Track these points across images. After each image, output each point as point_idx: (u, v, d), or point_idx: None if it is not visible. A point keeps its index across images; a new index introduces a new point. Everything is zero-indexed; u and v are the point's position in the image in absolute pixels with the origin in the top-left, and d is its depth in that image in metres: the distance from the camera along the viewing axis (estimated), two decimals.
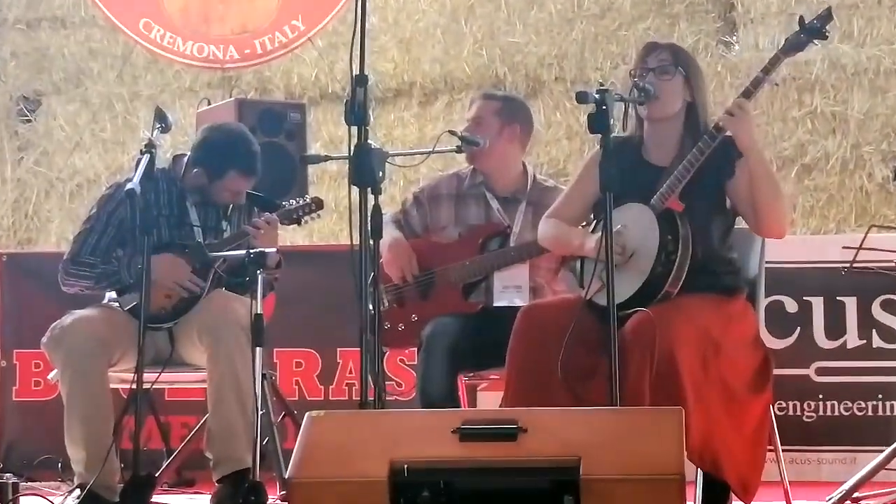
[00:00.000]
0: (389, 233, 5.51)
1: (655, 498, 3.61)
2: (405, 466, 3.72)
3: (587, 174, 4.87)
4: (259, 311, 5.08)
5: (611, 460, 3.66)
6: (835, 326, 6.58)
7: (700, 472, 4.64)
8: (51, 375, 5.59)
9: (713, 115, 4.87)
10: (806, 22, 4.74)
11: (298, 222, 5.78)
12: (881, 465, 5.37)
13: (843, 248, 5.76)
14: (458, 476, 3.72)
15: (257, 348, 5.10)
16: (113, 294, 5.63)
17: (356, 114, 4.36)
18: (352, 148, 4.39)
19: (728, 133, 4.72)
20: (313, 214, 5.76)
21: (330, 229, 8.83)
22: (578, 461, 3.66)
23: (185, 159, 5.77)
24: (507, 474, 3.72)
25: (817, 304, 6.61)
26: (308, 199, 5.78)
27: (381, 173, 4.47)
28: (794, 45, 4.77)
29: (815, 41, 4.77)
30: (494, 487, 3.72)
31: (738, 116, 4.69)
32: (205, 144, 5.71)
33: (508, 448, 3.74)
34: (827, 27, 4.73)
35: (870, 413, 6.53)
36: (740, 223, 4.93)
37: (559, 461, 3.68)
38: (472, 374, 5.61)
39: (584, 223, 4.97)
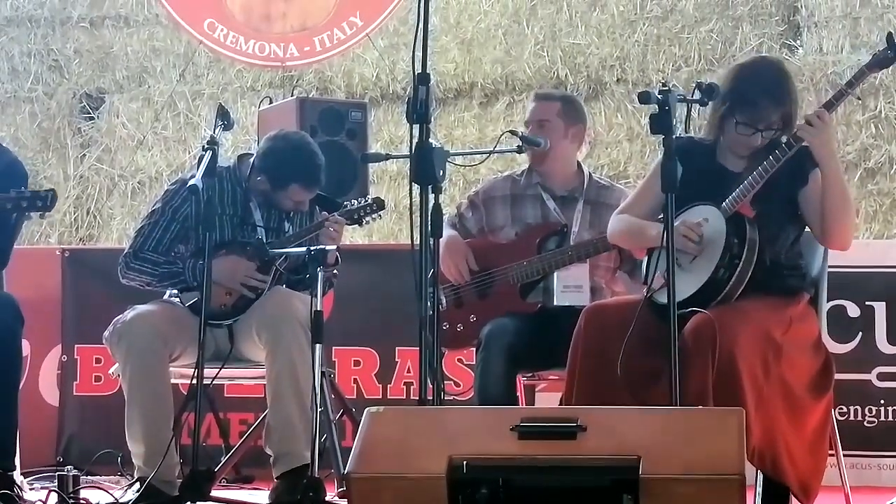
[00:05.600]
0: (445, 232, 5.50)
1: (716, 498, 3.59)
2: (464, 463, 3.71)
3: (658, 173, 4.84)
4: (319, 308, 5.09)
5: (671, 460, 3.64)
6: None
7: (760, 475, 4.61)
8: (112, 370, 5.63)
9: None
10: (895, 39, 4.70)
11: (360, 222, 5.78)
12: None
13: None
14: (517, 473, 3.71)
15: (316, 345, 5.11)
16: (174, 290, 5.67)
17: (418, 112, 4.36)
18: (413, 146, 4.40)
19: (805, 143, 4.68)
20: (374, 215, 5.76)
21: (389, 229, 8.85)
22: (638, 460, 3.64)
23: (251, 160, 5.78)
24: (566, 472, 3.70)
25: (879, 308, 6.56)
26: (370, 200, 5.78)
27: (441, 172, 4.47)
28: (880, 62, 4.74)
29: None
30: (553, 485, 3.71)
31: (818, 127, 4.65)
32: (269, 154, 5.70)
33: (567, 446, 3.73)
34: None
35: None
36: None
37: (619, 460, 3.67)
38: (530, 374, 5.60)
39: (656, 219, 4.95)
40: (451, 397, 6.21)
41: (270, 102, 7.82)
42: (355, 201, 5.79)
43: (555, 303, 5.52)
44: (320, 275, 5.16)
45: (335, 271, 5.65)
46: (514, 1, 9.01)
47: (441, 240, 4.57)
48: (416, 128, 4.40)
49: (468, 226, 5.82)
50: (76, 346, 7.28)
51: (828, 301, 5.17)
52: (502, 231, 5.75)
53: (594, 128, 8.36)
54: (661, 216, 4.86)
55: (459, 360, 6.82)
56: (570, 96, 6.08)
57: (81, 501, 4.99)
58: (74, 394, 7.29)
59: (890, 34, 4.74)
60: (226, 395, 6.94)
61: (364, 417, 3.91)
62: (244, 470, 6.44)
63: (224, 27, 8.75)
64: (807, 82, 8.15)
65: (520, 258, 5.62)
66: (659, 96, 4.44)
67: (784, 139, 4.71)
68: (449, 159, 4.88)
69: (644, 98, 4.50)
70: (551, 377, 5.61)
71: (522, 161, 5.93)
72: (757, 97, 4.76)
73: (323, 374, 5.32)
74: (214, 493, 5.21)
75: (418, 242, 4.38)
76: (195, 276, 5.51)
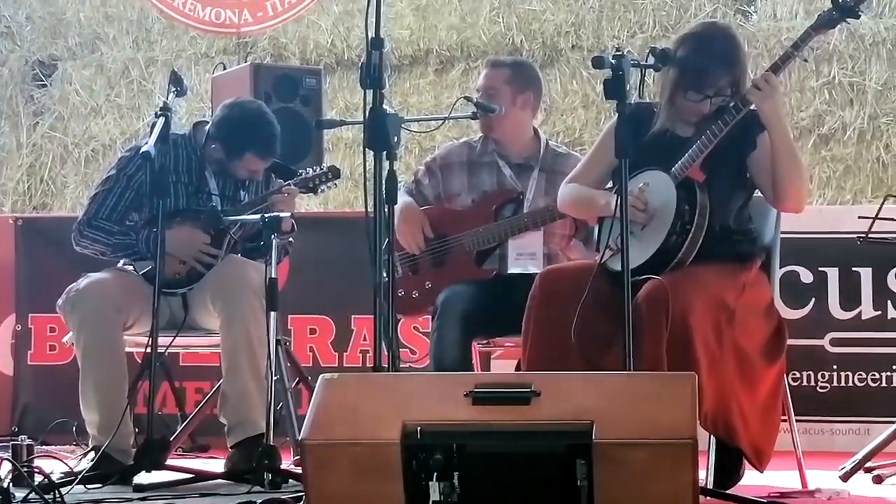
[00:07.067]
0: (401, 199, 5.49)
1: (668, 462, 3.60)
2: (418, 429, 3.72)
3: (608, 140, 4.82)
4: (273, 276, 5.08)
5: (623, 425, 3.65)
6: (850, 297, 6.57)
7: (713, 440, 4.64)
8: (66, 339, 5.60)
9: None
10: (840, 0, 4.71)
11: (315, 191, 5.77)
12: (894, 436, 5.37)
13: (859, 217, 5.74)
14: (471, 439, 3.71)
15: (271, 313, 5.10)
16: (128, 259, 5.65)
17: (371, 77, 4.34)
18: (366, 112, 4.38)
19: (753, 107, 4.69)
20: (329, 183, 5.75)
21: (345, 197, 8.83)
22: (591, 425, 3.65)
23: (206, 128, 5.75)
24: (520, 438, 3.71)
25: (832, 274, 6.60)
26: (325, 168, 5.76)
27: (395, 138, 4.45)
28: (825, 23, 4.74)
29: (848, 20, 4.74)
30: (507, 451, 3.72)
31: (765, 91, 4.66)
32: (223, 123, 5.67)
33: (521, 411, 3.73)
34: (860, 7, 4.70)
35: (884, 384, 6.52)
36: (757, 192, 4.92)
37: (572, 425, 3.68)
38: (485, 341, 5.61)
39: (605, 188, 4.96)
40: (407, 364, 6.23)
41: (224, 69, 7.78)
42: (310, 170, 5.77)
43: (508, 270, 5.53)
44: (275, 242, 5.14)
45: (290, 239, 5.65)
46: None
47: (396, 207, 4.57)
48: (370, 94, 4.38)
49: (425, 192, 5.82)
50: (30, 315, 7.25)
51: (781, 267, 5.20)
52: (459, 198, 5.75)
53: (549, 95, 8.35)
54: (611, 184, 4.88)
55: (415, 328, 6.83)
56: (521, 62, 6.04)
57: (35, 470, 4.96)
58: (29, 363, 7.26)
59: None
60: (181, 363, 6.94)
61: (318, 384, 3.91)
62: (200, 439, 6.44)
63: None
64: (761, 48, 8.17)
65: (476, 225, 5.62)
66: (612, 61, 4.44)
67: (732, 104, 4.72)
68: (404, 126, 4.87)
69: (598, 63, 4.50)
70: (507, 344, 5.62)
71: (478, 128, 5.92)
72: (705, 64, 4.76)
73: (278, 342, 5.32)
74: (170, 461, 5.20)
75: (372, 209, 4.37)
76: (149, 248, 5.48)
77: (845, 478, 5.25)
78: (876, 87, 8.12)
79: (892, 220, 5.65)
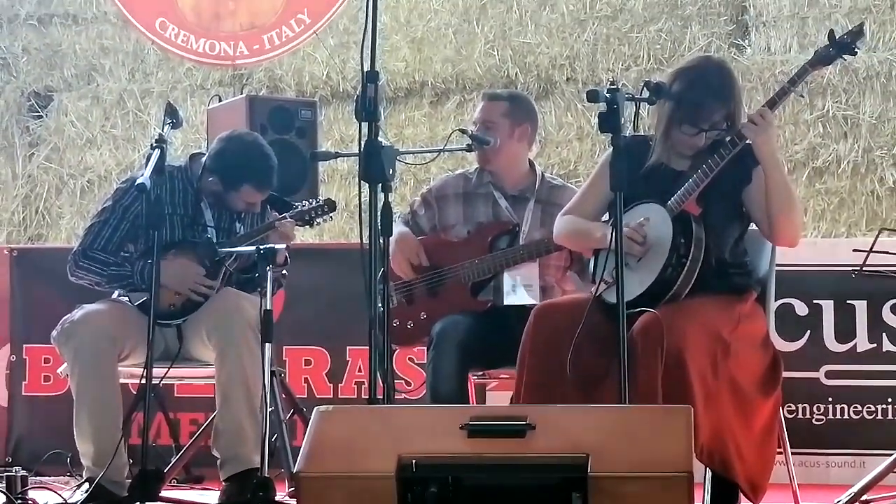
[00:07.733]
0: (396, 228, 5.51)
1: (664, 495, 3.60)
2: (413, 461, 3.71)
3: (603, 172, 4.83)
4: (269, 308, 5.08)
5: (619, 458, 3.65)
6: (845, 330, 6.58)
7: (709, 472, 4.64)
8: (60, 370, 5.59)
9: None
10: (837, 37, 4.73)
11: (311, 223, 5.77)
12: (890, 469, 5.36)
13: (854, 250, 5.76)
14: (467, 472, 3.71)
15: (266, 345, 5.09)
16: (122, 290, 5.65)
17: (367, 110, 4.35)
18: (362, 144, 4.39)
19: (748, 141, 4.71)
20: (326, 216, 5.76)
21: (340, 228, 8.84)
22: (587, 458, 3.65)
23: (203, 160, 5.75)
24: (516, 471, 3.71)
25: (827, 307, 6.61)
26: (321, 201, 5.77)
27: (391, 170, 4.46)
28: (822, 59, 4.76)
29: (844, 56, 4.76)
30: (502, 484, 3.71)
31: (761, 126, 4.68)
32: (221, 155, 5.68)
33: (517, 444, 3.73)
34: (857, 43, 4.72)
35: (879, 416, 6.53)
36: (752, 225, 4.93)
37: (567, 458, 3.67)
38: (481, 372, 5.61)
39: (601, 220, 4.97)
40: (402, 396, 6.22)
41: (220, 101, 7.79)
42: (307, 202, 5.78)
43: (504, 302, 5.53)
44: (269, 274, 5.14)
45: (284, 271, 5.64)
46: (464, 0, 9.03)
47: (392, 237, 4.57)
48: (365, 126, 4.40)
49: (421, 223, 5.82)
50: (25, 345, 7.25)
51: (776, 299, 5.20)
52: (454, 229, 5.75)
53: (544, 127, 8.38)
54: (607, 216, 4.89)
55: (410, 359, 6.82)
56: (518, 95, 6.06)
57: (29, 502, 4.96)
58: (23, 394, 7.26)
59: (832, 31, 4.78)
60: (176, 394, 6.93)
61: (313, 417, 3.90)
62: (194, 470, 6.43)
63: (175, 26, 8.72)
64: (755, 82, 8.20)
65: (471, 256, 5.62)
66: (607, 95, 4.46)
67: (728, 138, 4.74)
68: (399, 158, 4.87)
69: (592, 97, 4.51)
70: (502, 376, 5.62)
71: (473, 160, 5.93)
72: (700, 98, 4.78)
73: (273, 373, 5.30)
74: (164, 493, 5.19)
75: (368, 241, 4.37)
76: (144, 279, 5.48)
77: None
78: (870, 121, 8.14)
79: (887, 253, 5.67)
